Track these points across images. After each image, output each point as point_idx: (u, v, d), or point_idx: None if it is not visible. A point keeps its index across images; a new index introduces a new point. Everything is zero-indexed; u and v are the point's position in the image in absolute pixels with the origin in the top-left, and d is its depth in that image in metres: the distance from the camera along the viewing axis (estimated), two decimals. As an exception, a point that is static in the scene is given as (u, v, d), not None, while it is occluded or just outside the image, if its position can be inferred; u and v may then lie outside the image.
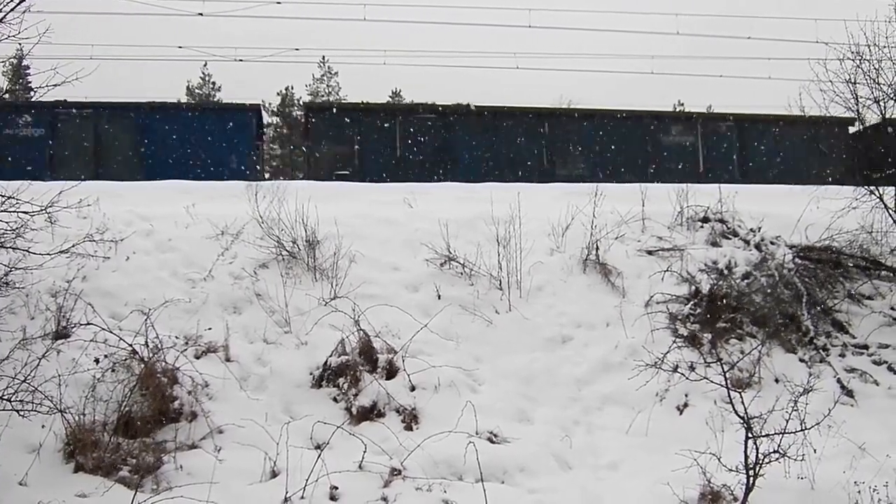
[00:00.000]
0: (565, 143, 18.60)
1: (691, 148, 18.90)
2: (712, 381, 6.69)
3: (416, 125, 18.21)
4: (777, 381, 7.84)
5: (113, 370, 6.89)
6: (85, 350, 7.04)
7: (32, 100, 16.98)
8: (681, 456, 6.07)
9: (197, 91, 42.18)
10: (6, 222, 7.39)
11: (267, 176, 18.08)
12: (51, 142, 16.90)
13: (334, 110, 18.74)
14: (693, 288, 9.07)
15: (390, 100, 40.97)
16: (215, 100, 17.29)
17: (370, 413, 7.15)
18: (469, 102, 19.09)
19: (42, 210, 7.52)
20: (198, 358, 7.39)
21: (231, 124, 17.71)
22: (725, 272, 9.35)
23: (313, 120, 18.53)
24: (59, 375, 6.49)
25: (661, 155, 18.62)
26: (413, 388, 7.37)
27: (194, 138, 17.31)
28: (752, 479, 5.76)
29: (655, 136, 18.88)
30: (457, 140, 18.21)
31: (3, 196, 7.31)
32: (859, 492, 5.83)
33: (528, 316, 8.63)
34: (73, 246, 8.03)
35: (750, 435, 5.84)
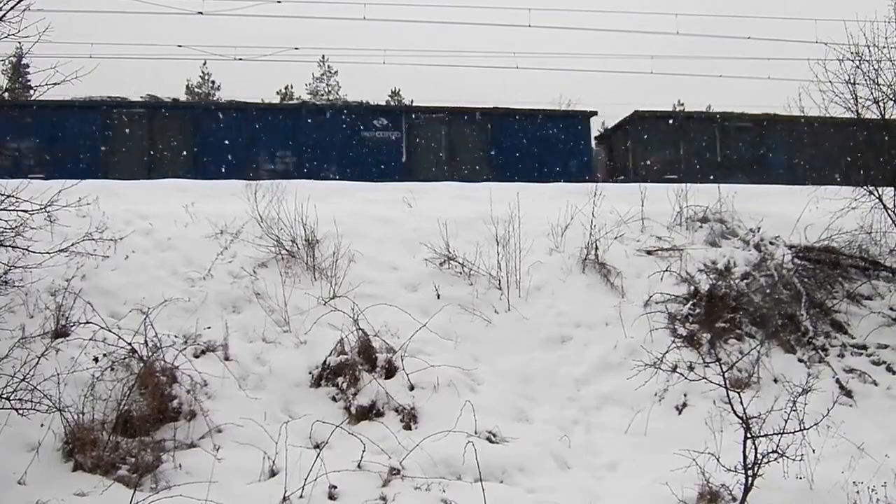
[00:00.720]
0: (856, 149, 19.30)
1: None
2: (711, 381, 6.69)
3: (732, 131, 18.95)
4: (776, 381, 7.85)
5: (112, 369, 6.89)
6: (84, 349, 7.04)
7: (388, 103, 17.93)
8: (679, 456, 6.07)
9: (196, 90, 42.21)
10: (6, 221, 7.39)
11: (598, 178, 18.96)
12: (405, 144, 17.71)
13: (660, 117, 19.46)
14: (692, 288, 9.07)
15: (391, 98, 41.01)
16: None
17: (369, 412, 7.15)
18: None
19: (42, 209, 7.53)
20: (197, 357, 7.38)
21: (572, 129, 18.55)
22: (724, 272, 9.36)
23: (640, 126, 19.10)
24: (58, 374, 6.49)
25: None
26: (412, 388, 7.37)
27: (539, 142, 18.12)
28: (750, 479, 5.76)
29: None
30: (769, 145, 18.90)
31: (2, 194, 7.30)
32: (858, 492, 5.83)
33: (528, 315, 8.64)
34: (73, 245, 8.04)
35: (749, 435, 5.84)
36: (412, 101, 18.16)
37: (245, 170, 16.06)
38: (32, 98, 16.67)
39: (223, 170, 16.06)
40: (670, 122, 19.14)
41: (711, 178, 17.04)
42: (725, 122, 19.15)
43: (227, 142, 17.21)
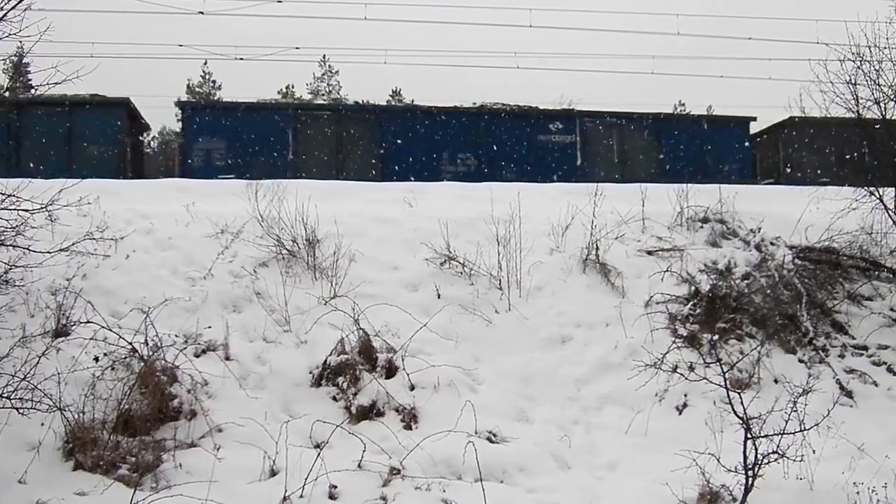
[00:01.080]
0: None
1: None
2: (712, 382, 6.69)
3: (878, 134, 19.16)
4: (776, 381, 7.85)
5: (112, 368, 6.90)
6: (85, 348, 7.04)
7: (561, 107, 19.12)
8: (680, 456, 6.08)
9: (197, 90, 42.21)
10: (6, 220, 7.39)
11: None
12: (580, 147, 18.44)
13: (813, 123, 19.76)
14: (693, 288, 9.07)
15: (391, 98, 41.07)
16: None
17: (369, 412, 7.15)
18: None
19: (42, 208, 7.53)
20: (197, 356, 7.39)
21: (734, 134, 19.33)
22: (725, 272, 9.35)
23: (793, 131, 19.55)
24: (59, 373, 6.50)
25: None
26: (412, 388, 7.37)
27: (704, 146, 18.89)
28: (750, 479, 5.76)
29: None
30: None
31: (3, 194, 7.31)
32: (858, 493, 5.83)
33: (528, 315, 8.64)
34: (74, 244, 8.03)
35: (749, 435, 5.83)
36: (582, 106, 18.91)
37: (428, 171, 16.70)
38: (222, 100, 16.96)
39: (407, 171, 16.56)
40: (822, 127, 19.29)
41: (861, 182, 17.66)
42: (874, 126, 19.51)
43: (410, 143, 17.70)
